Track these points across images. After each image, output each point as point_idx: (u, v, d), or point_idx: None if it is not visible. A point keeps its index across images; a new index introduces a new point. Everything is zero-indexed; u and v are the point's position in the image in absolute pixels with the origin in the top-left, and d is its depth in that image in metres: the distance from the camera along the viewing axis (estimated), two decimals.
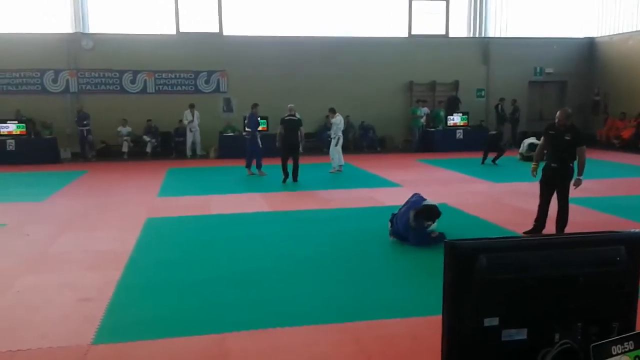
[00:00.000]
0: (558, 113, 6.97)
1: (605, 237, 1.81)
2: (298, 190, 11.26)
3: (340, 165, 13.60)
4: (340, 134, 13.56)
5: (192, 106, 16.96)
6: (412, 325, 4.52)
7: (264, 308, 4.90)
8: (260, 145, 13.08)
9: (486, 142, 14.90)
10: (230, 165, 12.99)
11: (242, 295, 5.25)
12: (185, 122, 16.95)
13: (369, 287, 5.44)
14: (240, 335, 4.33)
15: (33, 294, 5.33)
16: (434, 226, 7.02)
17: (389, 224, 7.16)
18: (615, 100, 19.43)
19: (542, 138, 7.34)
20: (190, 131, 17.08)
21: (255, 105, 13.22)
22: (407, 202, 7.25)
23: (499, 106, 19.14)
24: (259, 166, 13.08)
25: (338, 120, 13.51)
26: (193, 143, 17.26)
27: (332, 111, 13.58)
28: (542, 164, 7.20)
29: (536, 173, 7.19)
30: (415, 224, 6.77)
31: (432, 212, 6.93)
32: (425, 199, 7.18)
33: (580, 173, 6.90)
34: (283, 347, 4.16)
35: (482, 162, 14.59)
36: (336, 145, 13.45)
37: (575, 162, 6.92)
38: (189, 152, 17.15)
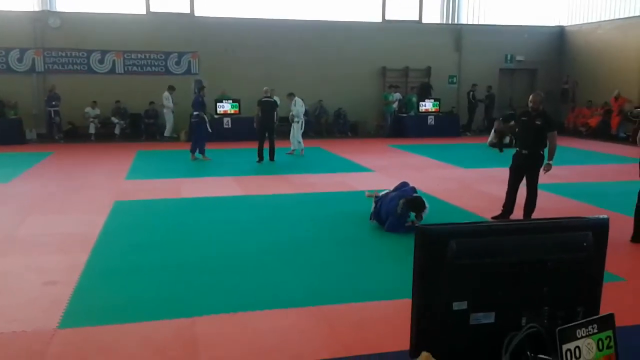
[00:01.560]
0: (531, 96, 7.02)
1: (572, 222, 1.83)
2: (271, 174, 11.20)
3: (302, 149, 13.66)
4: (302, 117, 13.64)
5: (171, 88, 16.54)
6: (385, 308, 4.55)
7: (236, 292, 4.87)
8: (209, 130, 12.97)
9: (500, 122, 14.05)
10: None
11: (214, 279, 5.21)
12: (170, 105, 16.51)
13: (342, 271, 5.45)
14: (210, 318, 4.30)
15: None
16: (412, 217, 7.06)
17: (373, 204, 7.13)
18: (582, 89, 19.74)
19: (512, 122, 7.41)
20: (172, 112, 16.71)
21: (202, 88, 13.35)
22: (396, 188, 7.26)
23: (471, 93, 19.30)
24: (202, 151, 12.83)
25: (299, 104, 13.52)
26: (163, 125, 16.97)
27: (291, 95, 13.55)
28: (512, 151, 7.27)
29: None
30: (401, 212, 6.77)
31: (419, 204, 6.93)
32: (416, 191, 7.25)
33: (550, 158, 7.00)
34: (253, 331, 4.14)
35: (501, 150, 13.42)
36: (301, 128, 13.60)
37: (546, 149, 7.01)
38: (167, 133, 16.83)
